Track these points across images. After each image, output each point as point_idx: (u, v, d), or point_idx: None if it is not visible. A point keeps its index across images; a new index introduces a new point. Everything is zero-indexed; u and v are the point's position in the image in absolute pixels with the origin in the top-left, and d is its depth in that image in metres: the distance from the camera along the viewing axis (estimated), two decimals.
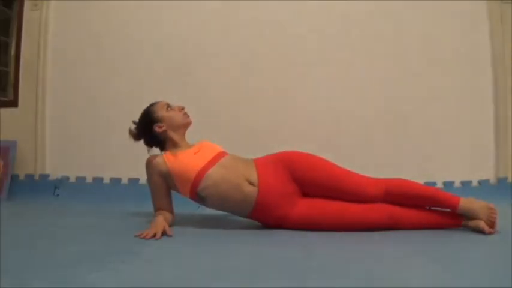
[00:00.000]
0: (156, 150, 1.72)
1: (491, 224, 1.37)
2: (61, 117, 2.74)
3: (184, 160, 1.56)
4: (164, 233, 1.36)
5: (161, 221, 1.43)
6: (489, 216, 1.37)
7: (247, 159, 1.62)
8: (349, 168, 1.57)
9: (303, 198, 1.53)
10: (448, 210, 1.46)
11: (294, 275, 0.91)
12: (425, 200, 1.47)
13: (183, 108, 1.70)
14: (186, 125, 1.70)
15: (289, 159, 1.58)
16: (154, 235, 1.31)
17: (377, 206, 1.47)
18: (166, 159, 1.59)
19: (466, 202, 1.41)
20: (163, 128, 1.65)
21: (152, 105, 1.70)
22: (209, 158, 1.56)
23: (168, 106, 1.68)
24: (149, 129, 1.66)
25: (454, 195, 1.45)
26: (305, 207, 1.50)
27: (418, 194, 1.48)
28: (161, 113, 1.66)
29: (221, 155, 1.60)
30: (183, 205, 1.71)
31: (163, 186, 1.60)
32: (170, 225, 1.48)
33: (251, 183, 1.50)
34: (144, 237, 1.30)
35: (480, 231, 1.37)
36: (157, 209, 1.60)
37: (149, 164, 1.62)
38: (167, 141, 1.67)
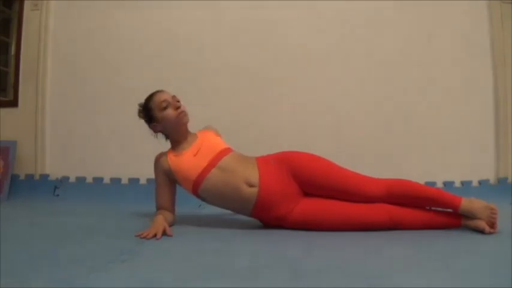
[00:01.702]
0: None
1: (492, 224, 1.37)
2: (61, 117, 2.74)
3: (184, 163, 1.56)
4: (164, 233, 1.36)
5: (161, 220, 1.43)
6: (489, 217, 1.37)
7: (249, 158, 1.61)
8: (349, 168, 1.57)
9: (304, 198, 1.53)
10: (449, 210, 1.46)
11: (294, 274, 0.91)
12: (426, 201, 1.47)
13: (179, 107, 1.61)
14: (181, 125, 1.63)
15: (290, 159, 1.57)
16: (155, 235, 1.32)
17: (377, 206, 1.47)
18: (169, 159, 1.60)
19: (467, 202, 1.41)
20: (159, 129, 1.64)
21: (150, 99, 1.63)
22: (208, 160, 1.54)
23: (165, 104, 1.58)
24: (149, 122, 1.65)
25: (455, 195, 1.44)
26: (306, 207, 1.50)
27: (418, 195, 1.47)
28: (156, 112, 1.60)
29: (221, 154, 1.57)
30: (184, 204, 1.71)
31: (167, 185, 1.61)
32: (170, 225, 1.49)
33: (251, 185, 1.49)
34: (144, 237, 1.30)
35: (480, 231, 1.37)
36: (158, 207, 1.60)
37: (156, 162, 1.64)
38: (168, 137, 1.67)
